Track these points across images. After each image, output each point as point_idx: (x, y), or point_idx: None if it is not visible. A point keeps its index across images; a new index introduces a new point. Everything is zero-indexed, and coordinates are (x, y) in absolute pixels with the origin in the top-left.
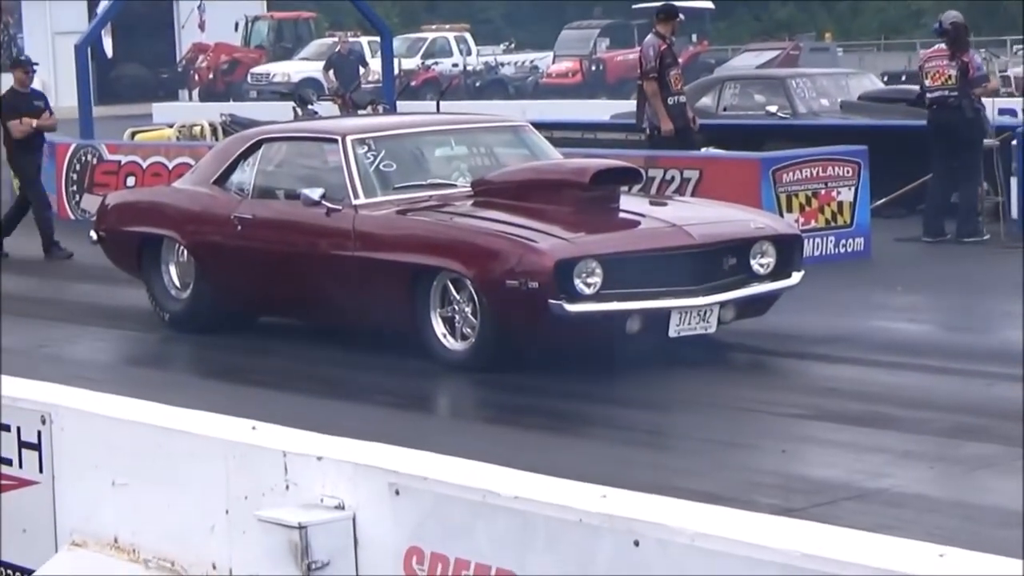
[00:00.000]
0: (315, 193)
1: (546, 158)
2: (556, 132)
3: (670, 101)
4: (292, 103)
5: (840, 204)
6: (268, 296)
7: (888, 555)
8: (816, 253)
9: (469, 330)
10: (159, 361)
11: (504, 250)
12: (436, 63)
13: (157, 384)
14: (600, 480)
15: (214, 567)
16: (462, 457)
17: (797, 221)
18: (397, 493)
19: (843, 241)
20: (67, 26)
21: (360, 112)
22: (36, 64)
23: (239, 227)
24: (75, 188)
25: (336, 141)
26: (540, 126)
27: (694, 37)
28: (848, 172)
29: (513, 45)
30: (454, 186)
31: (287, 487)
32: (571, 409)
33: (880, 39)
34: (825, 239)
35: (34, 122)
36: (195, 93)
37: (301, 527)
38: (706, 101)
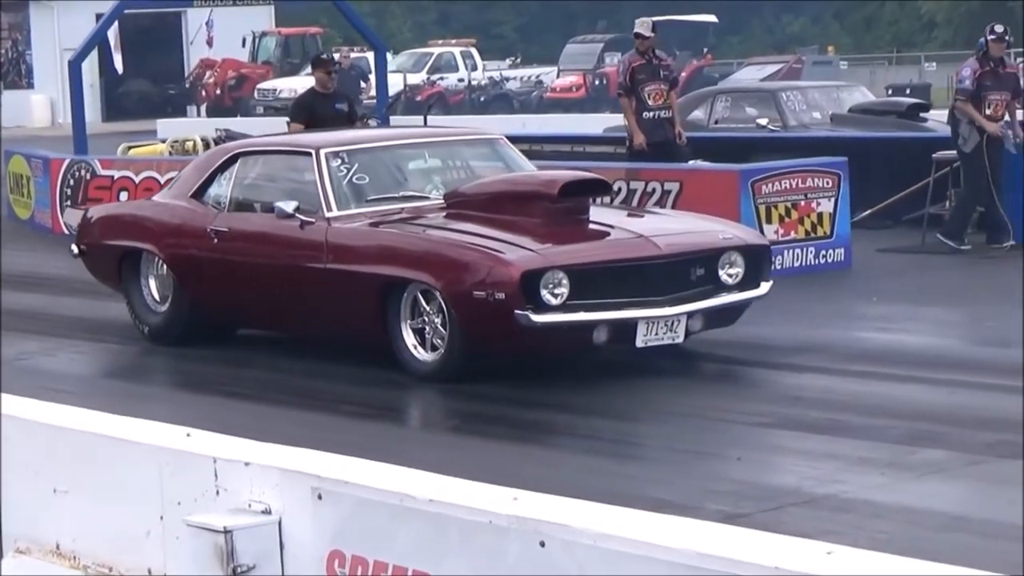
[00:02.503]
0: (289, 206)
1: (520, 171)
2: (547, 145)
3: (647, 116)
4: (287, 118)
5: (820, 215)
6: (244, 308)
7: (778, 554)
8: (796, 264)
9: (439, 341)
10: (135, 373)
11: (472, 261)
12: (442, 78)
13: (131, 396)
14: (559, 489)
15: (150, 572)
16: (422, 468)
17: (777, 232)
18: (320, 498)
19: (823, 252)
20: (75, 43)
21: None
22: (337, 65)
23: (215, 240)
24: (69, 203)
25: (310, 155)
26: (533, 139)
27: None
28: (828, 183)
29: (519, 60)
30: (427, 198)
31: (217, 492)
32: (537, 419)
33: (892, 52)
34: (805, 250)
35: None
36: (203, 109)
37: (226, 531)
38: (698, 114)
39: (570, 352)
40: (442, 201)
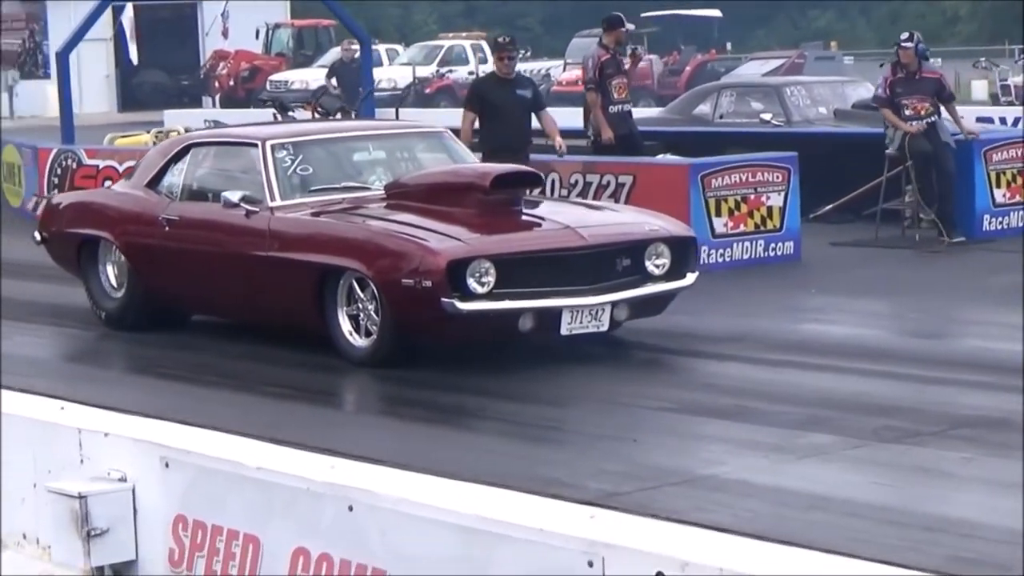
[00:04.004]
0: (234, 195)
1: (463, 163)
2: None
3: (612, 110)
4: (273, 109)
5: (770, 209)
6: (194, 295)
7: (546, 517)
8: (746, 256)
9: (373, 327)
10: (89, 357)
11: (401, 250)
12: (451, 71)
13: (84, 379)
14: (461, 469)
15: (24, 536)
16: (339, 449)
17: (726, 225)
18: (167, 466)
19: (772, 245)
20: (91, 33)
21: (329, 118)
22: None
23: (167, 228)
24: (57, 191)
25: (256, 146)
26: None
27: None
28: (778, 178)
29: (529, 53)
30: (369, 189)
31: (82, 461)
32: (459, 403)
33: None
34: (755, 243)
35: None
36: (216, 100)
37: (81, 497)
38: (704, 108)
39: (496, 339)
40: (383, 192)
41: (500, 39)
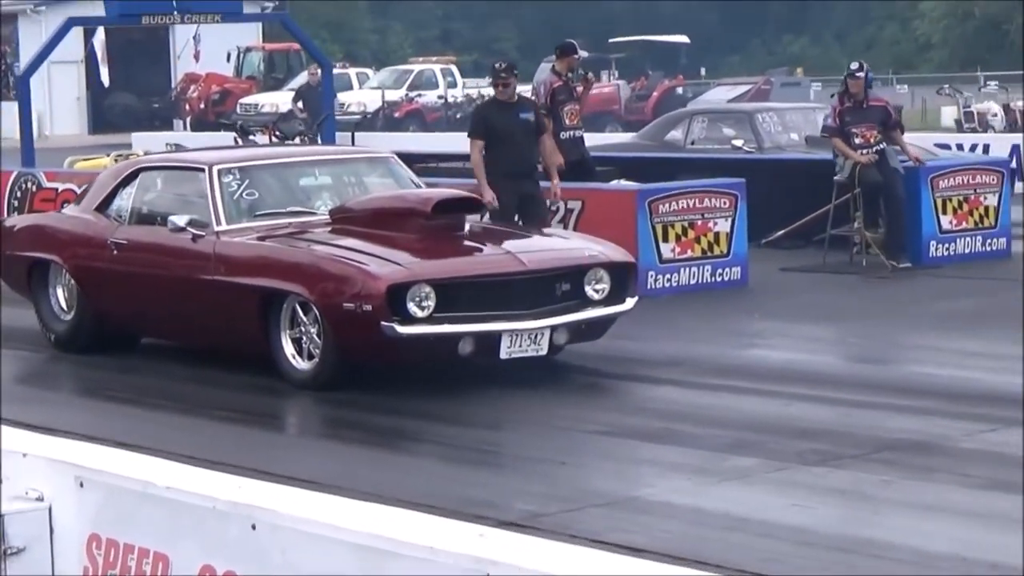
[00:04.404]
0: (181, 220)
1: (408, 188)
2: (442, 163)
3: (563, 136)
4: (234, 133)
5: (717, 235)
6: (142, 318)
7: (437, 535)
8: (692, 282)
9: (315, 350)
10: (39, 379)
11: (342, 274)
12: (420, 95)
13: (30, 400)
14: (392, 491)
15: None
16: (275, 471)
17: (673, 251)
18: (81, 485)
19: (719, 270)
20: (63, 55)
21: (287, 143)
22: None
23: (115, 251)
24: (16, 214)
25: (203, 170)
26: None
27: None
28: (725, 204)
29: None
30: (314, 214)
31: (1, 481)
32: (397, 425)
33: (888, 74)
34: (702, 268)
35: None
36: (187, 123)
37: None
38: (676, 135)
39: (437, 362)
40: (328, 217)
41: (496, 65)
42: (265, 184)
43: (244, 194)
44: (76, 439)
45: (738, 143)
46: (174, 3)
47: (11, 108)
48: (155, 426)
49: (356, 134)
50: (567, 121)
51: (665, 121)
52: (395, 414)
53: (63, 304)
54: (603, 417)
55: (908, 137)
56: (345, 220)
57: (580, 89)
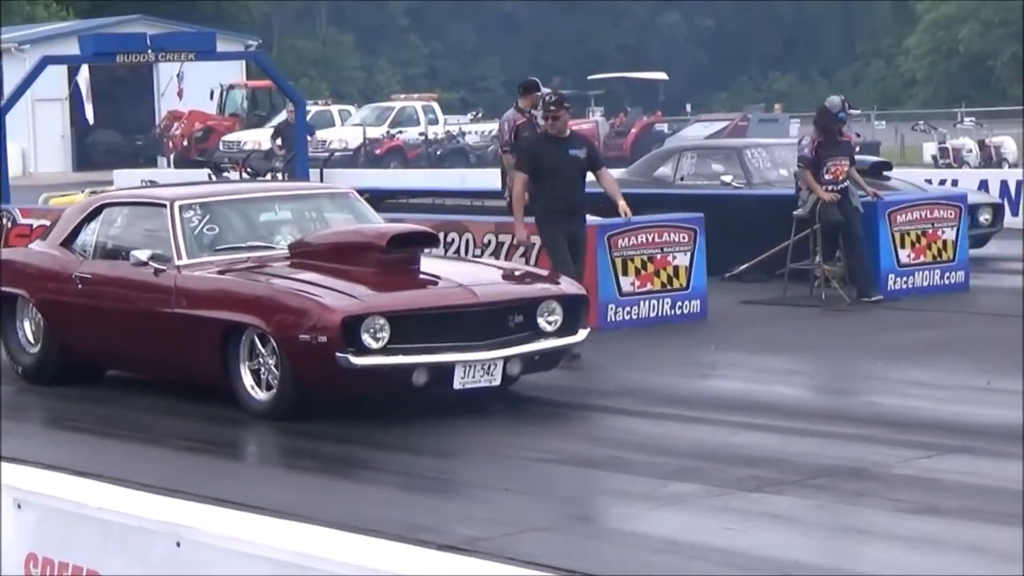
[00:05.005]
0: (143, 254)
1: (367, 222)
2: (412, 199)
3: None
4: (208, 169)
5: (676, 268)
6: (107, 350)
7: (350, 551)
8: (652, 314)
9: (273, 381)
10: (6, 411)
11: (298, 307)
12: (400, 131)
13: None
14: (335, 517)
15: None
16: (226, 498)
17: (633, 284)
18: (19, 507)
19: (679, 303)
20: (47, 93)
21: (258, 178)
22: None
23: (79, 285)
24: None
25: (165, 206)
26: (411, 193)
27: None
28: (684, 238)
29: (480, 115)
30: (274, 248)
31: None
32: (349, 454)
33: (873, 110)
34: (661, 301)
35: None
36: (171, 160)
37: None
38: (664, 170)
39: (391, 393)
40: (287, 251)
41: (547, 97)
42: (226, 219)
43: (205, 229)
44: (31, 465)
45: (727, 179)
46: (148, 41)
47: None
48: (118, 455)
49: (325, 171)
50: None
51: (654, 157)
52: (349, 443)
53: (30, 337)
54: (552, 445)
55: (895, 173)
56: (304, 254)
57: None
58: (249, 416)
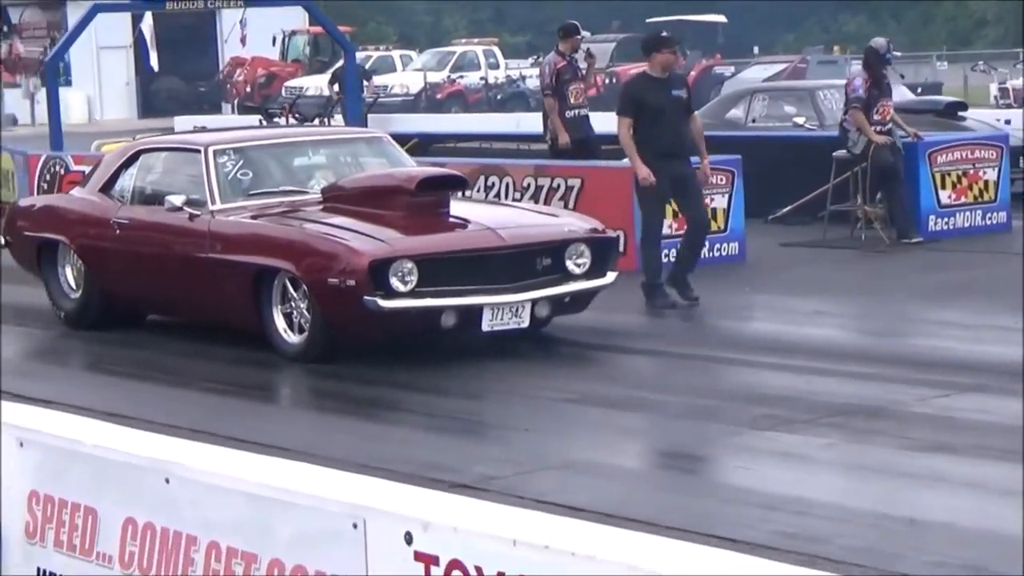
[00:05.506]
0: (178, 199)
1: (400, 167)
2: (460, 143)
3: (569, 115)
4: (259, 116)
5: (714, 211)
6: (144, 295)
7: (318, 484)
8: None
9: (305, 324)
10: (48, 355)
11: (327, 251)
12: (461, 76)
13: (36, 375)
14: (357, 456)
15: None
16: (255, 440)
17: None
18: (22, 445)
19: (717, 246)
20: (112, 40)
21: (306, 124)
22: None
23: (118, 231)
24: None
25: (199, 151)
26: (459, 137)
27: (755, 49)
28: (722, 180)
29: (541, 58)
30: (307, 193)
31: None
32: (376, 395)
33: (943, 50)
34: None
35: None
36: (234, 105)
37: None
38: (736, 113)
39: (420, 335)
40: (320, 195)
41: (663, 33)
42: (260, 164)
43: (239, 174)
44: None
45: (799, 120)
46: None
47: (63, 94)
48: (151, 397)
49: (375, 115)
50: (572, 100)
51: (726, 99)
52: (377, 385)
53: (71, 283)
54: (574, 386)
55: (970, 112)
56: (336, 199)
57: (585, 68)
58: (281, 359)
